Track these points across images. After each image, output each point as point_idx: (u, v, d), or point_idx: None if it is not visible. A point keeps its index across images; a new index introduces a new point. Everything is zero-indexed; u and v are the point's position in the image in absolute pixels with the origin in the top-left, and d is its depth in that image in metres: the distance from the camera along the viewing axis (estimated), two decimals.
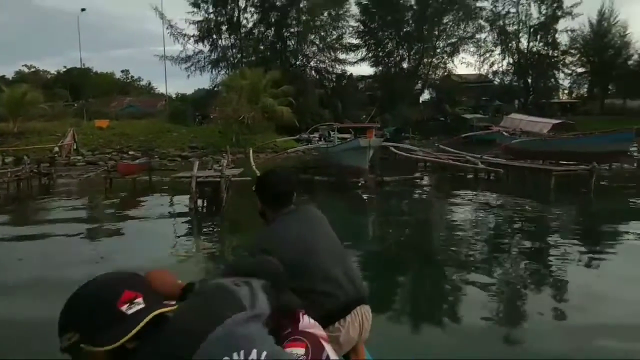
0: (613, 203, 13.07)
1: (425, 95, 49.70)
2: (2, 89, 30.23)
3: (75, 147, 26.07)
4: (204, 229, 10.49)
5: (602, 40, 47.13)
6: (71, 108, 40.51)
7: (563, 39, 47.46)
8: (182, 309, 1.15)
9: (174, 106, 40.33)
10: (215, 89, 39.26)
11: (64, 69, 55.78)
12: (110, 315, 1.05)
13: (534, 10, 46.79)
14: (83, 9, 50.22)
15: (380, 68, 47.37)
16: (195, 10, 40.87)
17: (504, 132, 23.26)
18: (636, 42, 48.85)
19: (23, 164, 17.50)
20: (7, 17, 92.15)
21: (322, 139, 22.60)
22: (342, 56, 44.71)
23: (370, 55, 46.96)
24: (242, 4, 41.51)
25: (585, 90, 52.46)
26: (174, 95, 49.81)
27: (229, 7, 41.45)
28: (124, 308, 1.06)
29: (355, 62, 46.02)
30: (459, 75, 48.12)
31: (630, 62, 47.36)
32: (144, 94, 59.61)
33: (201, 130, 31.75)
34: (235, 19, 41.68)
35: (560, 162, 16.52)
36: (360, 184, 15.80)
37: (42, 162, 19.42)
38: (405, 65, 47.35)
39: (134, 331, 1.03)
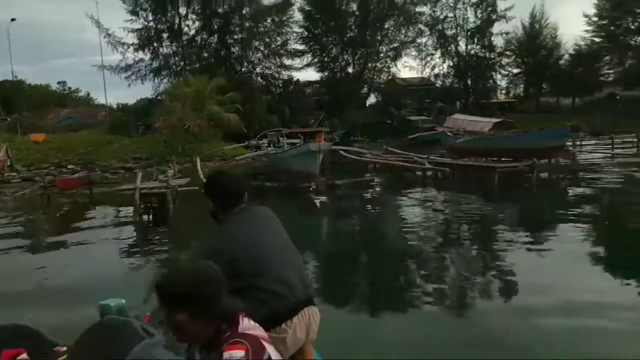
0: (552, 194, 13.70)
1: (372, 99, 50.50)
2: None
3: (9, 164, 24.47)
4: (150, 242, 10.04)
5: (534, 42, 49.60)
6: (4, 123, 38.14)
7: (499, 41, 49.59)
8: (80, 348, 1.11)
9: (115, 116, 38.83)
10: (159, 97, 38.13)
11: None
12: None
13: (470, 14, 48.65)
14: (13, 19, 47.39)
15: (326, 73, 47.72)
16: (133, 18, 39.56)
17: (448, 133, 23.92)
18: (566, 43, 51.52)
19: None
20: None
21: (271, 145, 22.37)
22: (288, 62, 44.66)
23: (315, 60, 47.23)
24: (182, 11, 40.62)
25: (521, 90, 55.00)
26: (115, 106, 47.96)
27: (169, 15, 40.45)
28: None
29: (302, 68, 46.11)
30: (403, 79, 49.22)
31: (561, 62, 50.10)
32: (83, 105, 57.05)
33: (145, 140, 30.66)
34: (176, 26, 40.70)
35: (502, 158, 17.16)
36: (311, 189, 15.71)
37: None
38: (350, 70, 47.91)
39: None
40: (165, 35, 40.71)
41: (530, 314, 4.84)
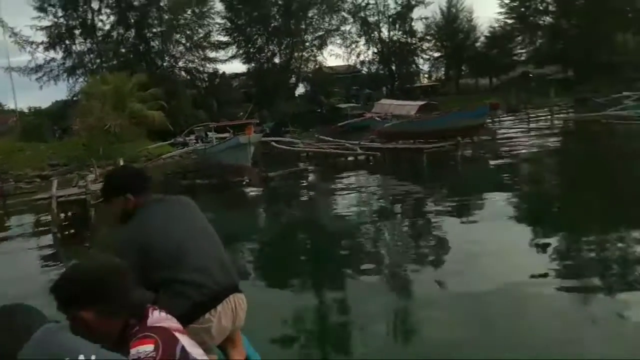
0: (477, 169, 14.33)
1: (300, 89, 50.36)
2: None
3: None
4: (71, 250, 9.36)
5: (452, 26, 51.52)
6: None
7: (419, 26, 50.96)
8: None
9: (27, 121, 36.03)
10: (75, 98, 35.84)
11: None
12: None
13: (390, 0, 49.61)
14: None
15: (253, 64, 46.95)
16: (42, 15, 36.77)
17: (376, 118, 24.26)
18: (481, 26, 54.06)
19: None
20: None
21: (199, 141, 21.69)
22: (212, 54, 43.47)
23: (241, 52, 46.27)
24: (95, 5, 38.26)
25: (442, 73, 57.04)
26: (26, 110, 44.51)
27: (81, 10, 37.99)
28: None
29: (227, 60, 45.07)
30: (330, 67, 49.44)
31: (477, 44, 52.41)
32: None
33: (62, 145, 28.70)
34: (89, 21, 38.33)
35: (429, 140, 17.68)
36: (244, 182, 15.40)
37: None
38: (277, 60, 47.43)
39: None
40: (77, 31, 38.26)
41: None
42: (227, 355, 2.12)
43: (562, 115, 26.18)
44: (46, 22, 36.94)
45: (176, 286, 1.91)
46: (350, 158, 18.16)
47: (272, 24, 46.22)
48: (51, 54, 37.71)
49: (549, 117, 24.08)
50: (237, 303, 2.08)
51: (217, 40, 43.94)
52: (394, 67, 51.89)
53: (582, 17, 42.91)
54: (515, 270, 5.20)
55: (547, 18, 49.49)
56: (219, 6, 43.42)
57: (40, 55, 37.55)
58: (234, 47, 45.78)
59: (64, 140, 30.07)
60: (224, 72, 44.06)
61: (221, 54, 44.42)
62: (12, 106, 47.39)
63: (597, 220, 6.96)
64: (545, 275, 5.06)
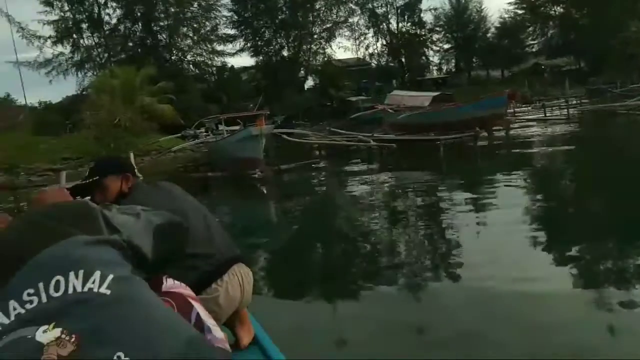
0: (497, 161, 13.92)
1: (310, 82, 50.10)
2: None
3: None
4: None
5: (462, 17, 50.88)
6: None
7: (428, 17, 50.47)
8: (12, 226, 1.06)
9: (39, 116, 36.12)
10: (84, 92, 35.82)
11: None
12: None
13: None
14: None
15: (261, 57, 46.71)
16: (48, 9, 36.72)
17: (389, 110, 23.92)
18: (492, 16, 53.31)
19: None
20: None
21: (210, 133, 21.44)
22: (220, 48, 43.30)
23: (248, 45, 46.08)
24: None
25: (453, 65, 56.47)
26: (37, 105, 44.76)
27: (87, 3, 37.87)
28: None
29: (235, 53, 45.03)
30: (339, 60, 49.10)
31: (488, 35, 51.78)
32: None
33: (74, 139, 28.67)
34: (95, 15, 38.21)
35: (445, 131, 17.29)
36: (256, 175, 15.12)
37: None
38: (285, 53, 47.17)
39: None
40: (84, 25, 38.18)
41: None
42: (235, 334, 2.13)
43: (578, 107, 25.69)
44: (53, 17, 36.88)
45: (185, 258, 1.85)
46: (363, 150, 17.84)
47: (280, 17, 45.90)
48: (59, 48, 37.72)
49: (565, 108, 23.55)
50: (243, 274, 2.10)
51: (225, 34, 43.84)
52: (403, 59, 51.38)
53: (593, 6, 42.09)
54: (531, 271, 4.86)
55: (558, 8, 48.66)
56: None
57: (49, 50, 37.56)
58: (241, 40, 45.63)
59: (75, 134, 30.06)
60: (232, 66, 43.93)
61: (229, 47, 44.32)
62: (21, 102, 47.83)
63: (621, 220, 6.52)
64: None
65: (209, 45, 42.20)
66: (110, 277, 0.92)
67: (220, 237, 2.11)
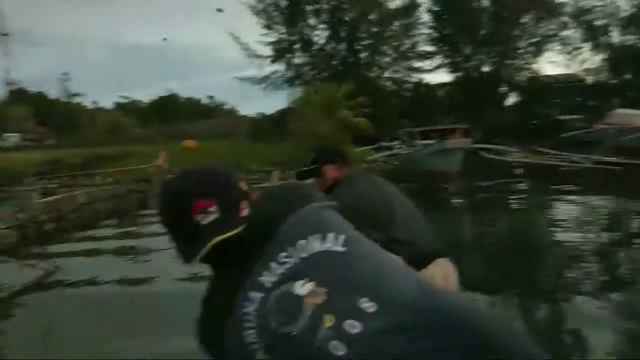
0: None
1: (512, 99, 46.90)
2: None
3: (166, 167, 27.19)
4: None
5: None
6: (162, 132, 43.04)
7: None
8: (262, 200, 1.20)
9: (255, 124, 41.79)
10: (292, 106, 39.71)
11: (157, 98, 61.73)
12: (189, 228, 1.05)
13: (622, 1, 42.96)
14: (165, 39, 53.30)
15: (460, 74, 45.51)
16: (268, 31, 41.75)
17: (611, 130, 20.67)
18: None
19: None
20: (96, 53, 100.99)
21: (404, 145, 21.49)
22: (417, 64, 43.57)
23: (447, 61, 45.32)
24: (311, 21, 41.83)
25: None
26: (255, 115, 51.96)
27: (300, 26, 41.88)
28: (199, 218, 1.05)
29: (432, 70, 44.64)
30: (547, 76, 45.02)
31: None
32: (226, 116, 62.92)
33: (282, 146, 32.21)
34: (306, 36, 42.04)
35: None
36: (448, 190, 14.49)
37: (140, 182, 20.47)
38: (485, 69, 45.12)
39: (204, 250, 1.02)
40: (297, 46, 42.23)
41: None
42: None
43: None
44: (271, 38, 41.71)
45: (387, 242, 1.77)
46: (575, 172, 15.70)
47: (481, 32, 44.18)
48: (275, 66, 42.44)
49: None
50: (447, 270, 1.83)
51: (423, 51, 43.89)
52: (628, 76, 44.57)
53: None
54: None
55: None
56: (426, 17, 43.46)
57: (267, 68, 42.56)
58: (439, 56, 45.12)
59: (284, 143, 33.62)
60: (427, 82, 43.75)
61: (426, 64, 44.24)
62: (245, 112, 56.18)
63: None
64: None
65: (407, 62, 42.79)
66: (343, 236, 1.08)
67: (422, 230, 2.12)
